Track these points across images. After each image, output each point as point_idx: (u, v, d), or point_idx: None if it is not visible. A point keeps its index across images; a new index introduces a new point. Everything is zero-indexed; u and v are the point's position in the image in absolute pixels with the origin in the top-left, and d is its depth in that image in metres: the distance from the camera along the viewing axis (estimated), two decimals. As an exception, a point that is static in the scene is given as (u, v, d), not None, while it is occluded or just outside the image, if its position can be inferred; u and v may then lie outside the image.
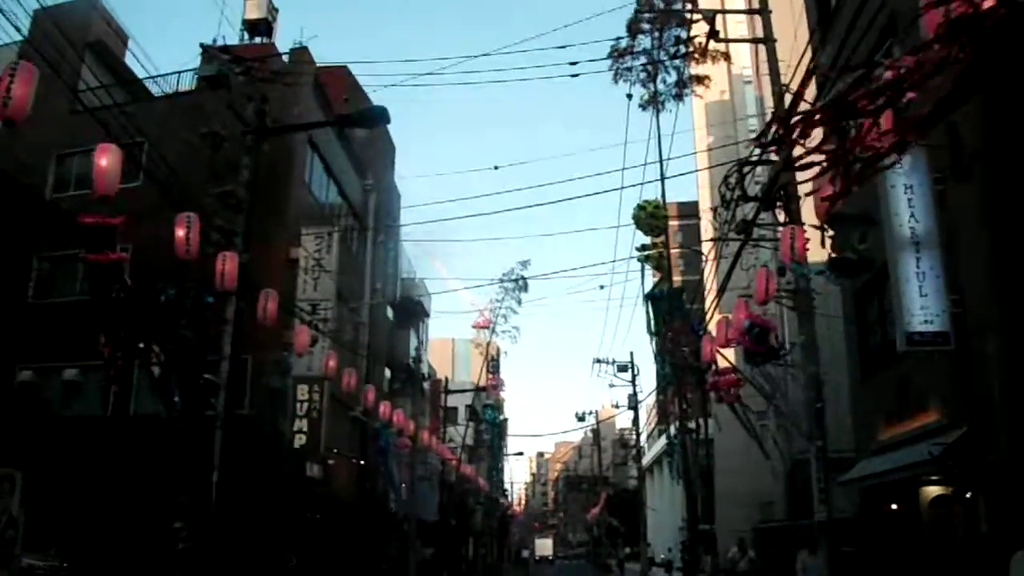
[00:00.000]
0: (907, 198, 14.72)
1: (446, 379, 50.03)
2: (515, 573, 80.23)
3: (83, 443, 28.30)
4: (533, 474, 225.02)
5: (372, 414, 32.73)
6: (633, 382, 61.15)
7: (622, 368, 61.67)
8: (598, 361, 60.72)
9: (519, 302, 44.37)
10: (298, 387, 28.54)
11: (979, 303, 14.94)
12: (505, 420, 72.04)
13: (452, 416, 61.46)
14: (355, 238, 39.50)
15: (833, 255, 13.16)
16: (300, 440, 28.17)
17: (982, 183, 14.65)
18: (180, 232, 18.89)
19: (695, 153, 56.30)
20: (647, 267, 23.97)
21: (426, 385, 55.89)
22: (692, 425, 25.97)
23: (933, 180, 15.24)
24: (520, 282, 43.76)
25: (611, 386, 62.14)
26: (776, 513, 54.48)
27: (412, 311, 49.11)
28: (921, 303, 14.72)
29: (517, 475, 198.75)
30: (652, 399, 74.51)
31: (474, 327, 48.52)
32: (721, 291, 20.28)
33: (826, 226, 12.88)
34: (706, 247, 22.59)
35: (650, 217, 21.65)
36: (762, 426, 57.58)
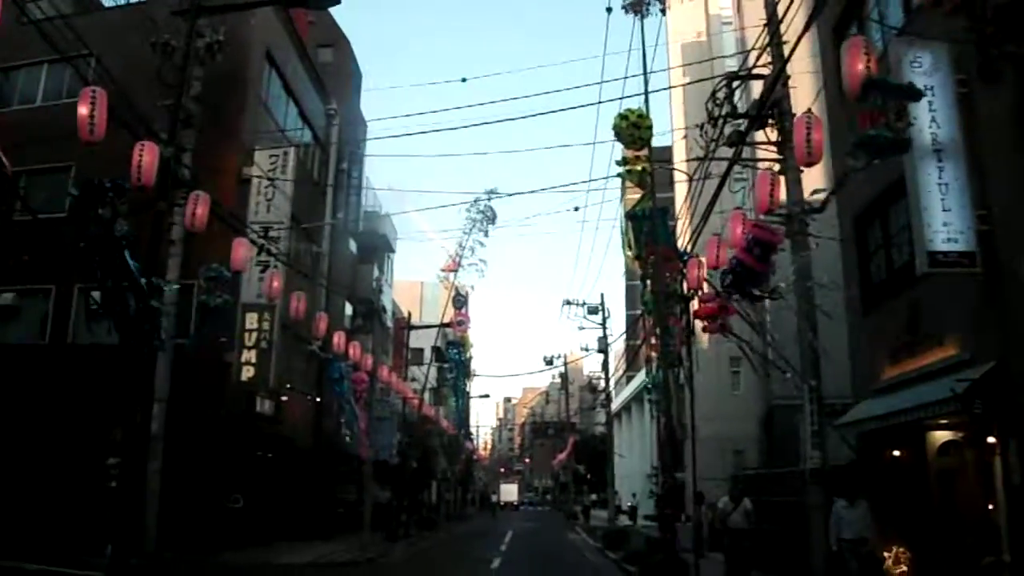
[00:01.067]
0: (927, 101, 12.72)
1: (409, 315, 47.98)
2: (481, 519, 78.76)
3: (16, 372, 26.36)
4: (500, 419, 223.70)
5: (328, 348, 30.67)
6: (603, 325, 59.42)
7: (592, 310, 59.86)
8: (568, 303, 59.01)
9: (486, 233, 42.25)
10: (247, 315, 26.63)
11: (1010, 220, 12.99)
12: (470, 359, 70.08)
13: (418, 358, 59.56)
14: (315, 164, 37.41)
15: (866, 133, 11.01)
16: (247, 372, 26.27)
17: (1014, 87, 12.74)
18: (83, 110, 16.23)
19: (669, 88, 54.08)
20: (627, 184, 21.71)
21: (389, 323, 54.06)
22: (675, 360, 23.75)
23: (957, 82, 13.32)
24: (488, 212, 41.52)
25: (580, 328, 60.05)
26: (747, 461, 53.28)
27: (376, 245, 47.08)
28: (944, 219, 12.79)
29: (484, 419, 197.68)
30: (621, 345, 73.38)
31: (443, 271, 46.27)
32: (706, 215, 18.37)
33: (859, 99, 10.83)
34: (687, 169, 20.53)
35: (633, 127, 19.54)
36: (734, 373, 56.89)
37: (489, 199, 40.60)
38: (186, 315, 23.85)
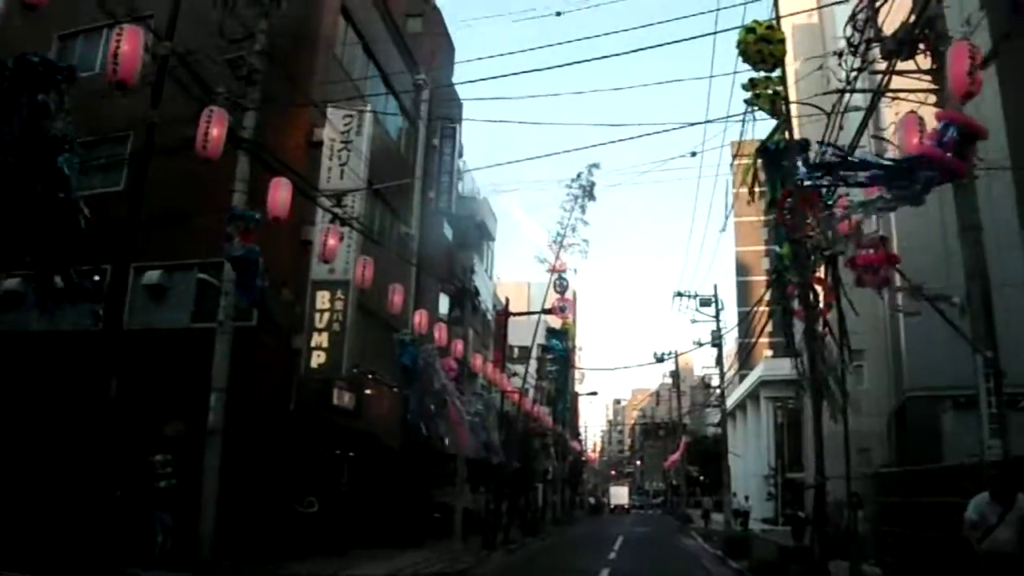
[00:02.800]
0: None
1: (507, 300, 44.70)
2: (589, 523, 75.44)
3: (67, 361, 23.83)
4: (610, 421, 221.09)
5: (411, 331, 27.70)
6: (717, 317, 55.78)
7: (705, 302, 56.40)
8: (680, 295, 55.76)
9: (584, 210, 39.59)
10: (317, 294, 23.71)
11: None
12: (574, 349, 66.57)
13: (523, 356, 56.30)
14: (402, 139, 34.47)
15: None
16: (318, 358, 23.29)
17: None
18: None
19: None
20: (754, 115, 17.98)
21: (490, 317, 51.00)
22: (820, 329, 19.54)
23: None
24: (588, 187, 38.76)
25: (693, 321, 56.66)
26: (874, 460, 49.49)
27: (474, 231, 44.12)
28: None
29: (593, 422, 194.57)
30: (732, 346, 69.62)
31: (549, 271, 43.12)
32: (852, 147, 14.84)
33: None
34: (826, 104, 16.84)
35: (761, 41, 16.00)
36: (856, 366, 52.88)
37: (591, 183, 37.79)
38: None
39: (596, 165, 41.20)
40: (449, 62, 42.16)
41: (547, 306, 43.91)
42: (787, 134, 17.60)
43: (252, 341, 22.06)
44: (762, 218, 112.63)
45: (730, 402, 66.10)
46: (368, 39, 30.15)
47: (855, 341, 49.67)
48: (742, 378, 73.54)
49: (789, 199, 15.95)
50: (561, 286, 43.39)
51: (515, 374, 46.89)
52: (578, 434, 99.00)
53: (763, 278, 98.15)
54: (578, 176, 39.85)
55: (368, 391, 28.55)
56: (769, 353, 78.17)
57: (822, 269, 17.93)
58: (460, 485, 30.89)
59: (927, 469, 19.95)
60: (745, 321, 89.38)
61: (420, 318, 27.33)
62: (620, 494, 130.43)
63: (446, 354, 29.68)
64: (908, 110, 13.30)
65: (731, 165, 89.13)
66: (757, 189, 18.63)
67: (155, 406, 21.64)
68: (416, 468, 32.73)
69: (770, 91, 16.95)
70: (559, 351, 49.95)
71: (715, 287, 57.87)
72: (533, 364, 49.32)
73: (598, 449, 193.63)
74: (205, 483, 18.59)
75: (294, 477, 23.66)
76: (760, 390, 61.59)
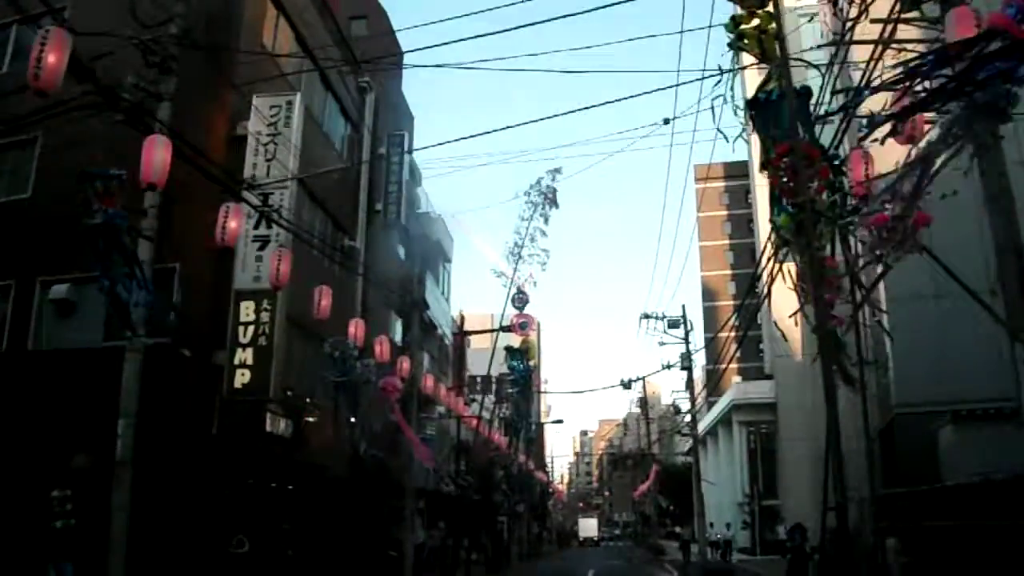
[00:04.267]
0: None
1: (462, 316, 42.13)
2: (558, 557, 72.63)
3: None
4: (577, 453, 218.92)
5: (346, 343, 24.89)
6: (686, 339, 53.47)
7: (673, 324, 54.14)
8: (646, 316, 53.48)
9: (546, 220, 37.03)
10: (241, 304, 20.97)
11: None
12: (535, 368, 63.39)
13: (487, 386, 53.35)
14: (344, 146, 31.89)
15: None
16: (242, 377, 20.51)
17: None
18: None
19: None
20: (740, 61, 15.38)
21: (447, 341, 48.12)
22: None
23: None
24: (549, 193, 36.20)
25: (661, 344, 54.41)
26: (852, 484, 47.13)
27: (430, 250, 41.40)
28: None
29: (560, 453, 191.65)
30: (701, 370, 67.40)
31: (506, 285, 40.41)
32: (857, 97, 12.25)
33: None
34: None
35: (748, -38, 13.49)
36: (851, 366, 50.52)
37: (551, 188, 35.26)
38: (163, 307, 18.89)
39: (558, 170, 38.33)
40: (399, 70, 39.71)
41: (506, 323, 40.75)
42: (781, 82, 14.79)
43: (167, 359, 19.44)
44: (728, 242, 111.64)
45: (701, 427, 63.91)
46: (304, 33, 27.55)
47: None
48: (711, 405, 71.48)
49: (786, 158, 13.30)
50: (520, 301, 40.37)
51: (474, 399, 44.13)
52: (544, 465, 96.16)
53: (730, 303, 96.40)
54: (538, 182, 37.18)
55: (311, 418, 25.89)
56: (738, 379, 76.35)
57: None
58: (410, 519, 28.06)
59: (964, 486, 17.29)
60: (712, 346, 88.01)
61: (355, 328, 24.38)
62: (589, 526, 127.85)
63: (388, 372, 26.82)
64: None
65: (696, 189, 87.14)
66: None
67: (63, 437, 19.00)
68: (369, 502, 29.87)
69: (756, 28, 14.36)
70: (520, 372, 46.99)
71: (683, 307, 55.74)
72: (493, 387, 46.61)
73: (566, 481, 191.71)
74: (113, 523, 15.72)
75: (220, 513, 20.85)
76: (732, 415, 59.44)
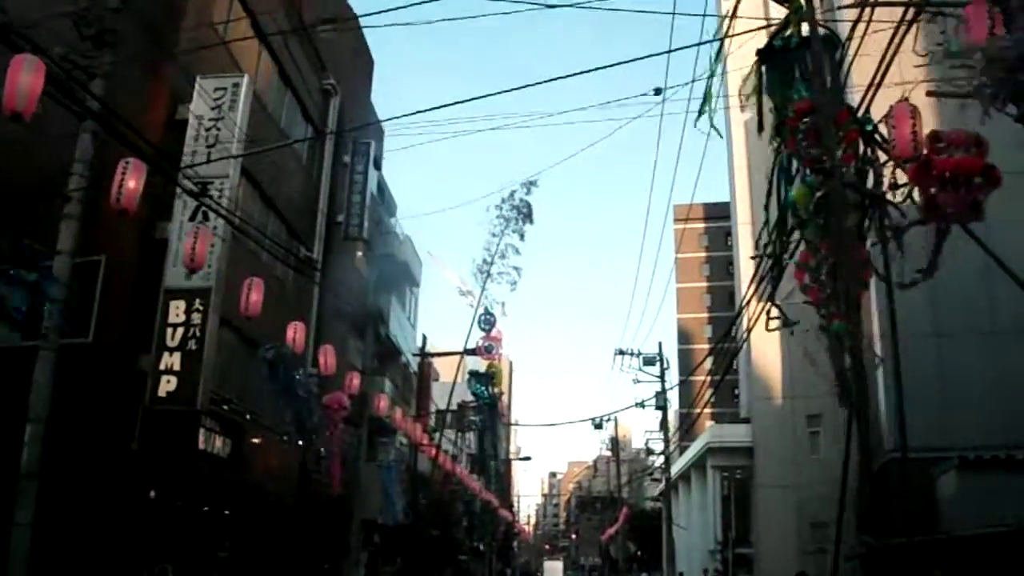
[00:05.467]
0: None
1: (424, 338, 39.93)
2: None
3: None
4: (544, 495, 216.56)
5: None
6: (662, 377, 51.95)
7: (648, 361, 52.55)
8: (621, 352, 51.85)
9: (522, 236, 34.97)
10: (170, 304, 18.76)
11: None
12: (500, 395, 60.92)
13: (456, 419, 51.02)
14: (304, 149, 29.82)
15: None
16: (167, 385, 18.27)
17: None
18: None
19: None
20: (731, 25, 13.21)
21: (412, 368, 45.85)
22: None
23: None
24: (523, 208, 34.09)
25: (636, 382, 52.91)
26: (831, 536, 45.10)
27: (396, 270, 39.23)
28: None
29: (527, 492, 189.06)
30: (674, 415, 65.50)
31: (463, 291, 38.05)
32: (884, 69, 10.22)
33: None
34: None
35: None
36: (812, 433, 48.63)
37: (525, 202, 33.21)
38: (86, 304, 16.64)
39: (534, 183, 36.03)
40: (367, 74, 37.74)
41: (472, 345, 38.37)
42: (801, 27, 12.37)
43: (87, 362, 17.33)
44: (706, 284, 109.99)
45: (675, 470, 61.81)
46: (256, 11, 25.42)
47: (810, 405, 45.66)
48: (682, 451, 69.33)
49: (806, 118, 11.11)
50: (488, 322, 37.99)
51: (436, 430, 41.84)
52: (511, 503, 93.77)
53: (706, 346, 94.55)
54: (511, 195, 35.03)
55: (255, 439, 23.71)
56: (711, 424, 74.58)
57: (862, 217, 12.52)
58: (356, 553, 25.78)
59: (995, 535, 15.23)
60: (686, 390, 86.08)
61: (295, 332, 21.98)
62: (555, 568, 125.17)
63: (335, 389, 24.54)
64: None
65: (674, 229, 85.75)
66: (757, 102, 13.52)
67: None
68: (315, 532, 27.58)
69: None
70: (484, 399, 44.48)
71: (659, 344, 54.21)
72: (453, 417, 44.39)
73: (532, 522, 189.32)
74: (13, 542, 13.74)
75: (140, 537, 18.60)
76: (707, 458, 57.11)
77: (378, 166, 38.10)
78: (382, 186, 40.16)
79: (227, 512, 23.45)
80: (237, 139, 19.73)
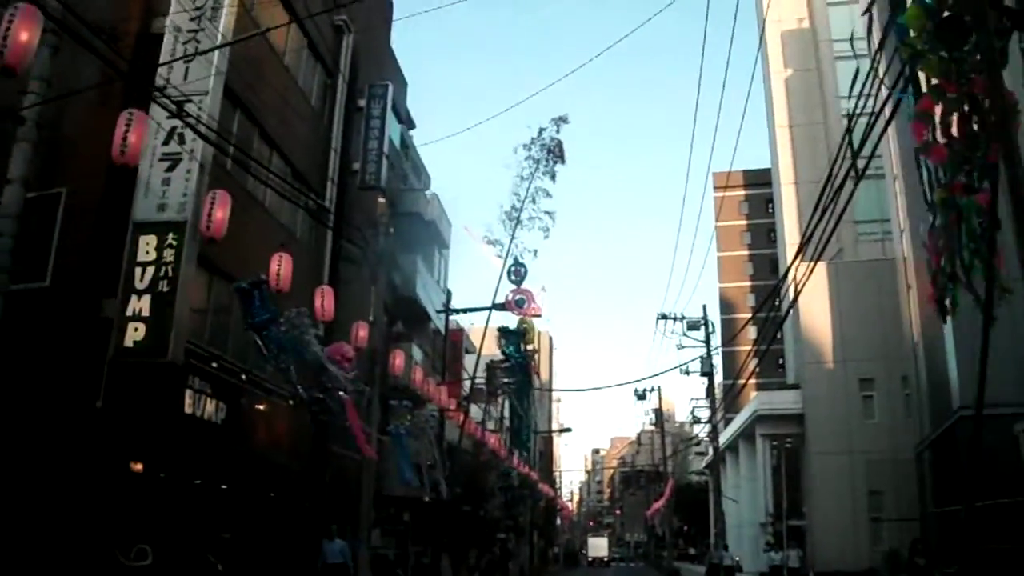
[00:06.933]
0: None
1: (449, 294, 37.05)
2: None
3: None
4: (588, 472, 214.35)
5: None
6: (707, 341, 49.33)
7: (692, 325, 49.83)
8: (663, 317, 49.26)
9: (553, 177, 31.93)
10: (140, 239, 16.07)
11: None
12: (535, 352, 57.40)
13: (491, 383, 47.76)
14: (314, 88, 27.15)
15: None
16: (135, 333, 15.62)
17: None
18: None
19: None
20: None
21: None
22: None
23: None
24: (554, 147, 31.10)
25: (680, 347, 50.28)
26: (886, 508, 42.53)
27: (422, 230, 36.49)
28: None
29: (571, 475, 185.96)
30: (719, 384, 62.83)
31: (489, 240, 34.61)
32: None
33: None
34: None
35: None
36: (865, 397, 45.86)
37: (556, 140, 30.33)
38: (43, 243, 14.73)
39: (564, 119, 32.63)
40: (386, 20, 34.96)
41: (500, 300, 34.81)
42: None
43: (43, 309, 14.87)
44: (747, 252, 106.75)
45: (721, 440, 59.06)
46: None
47: (862, 368, 42.94)
48: (727, 423, 66.62)
49: None
50: (518, 274, 34.59)
51: (466, 400, 39.03)
52: (552, 479, 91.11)
53: (749, 315, 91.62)
54: (540, 133, 31.90)
55: (257, 404, 21.15)
56: (756, 394, 72.00)
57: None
58: (364, 520, 23.06)
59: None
60: (730, 361, 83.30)
61: (279, 263, 18.87)
62: (599, 545, 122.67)
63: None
64: None
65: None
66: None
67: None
68: (333, 510, 24.85)
69: None
70: (516, 358, 41.23)
71: (704, 307, 51.47)
72: (484, 377, 41.61)
73: (576, 499, 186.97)
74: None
75: (113, 514, 15.99)
76: (756, 427, 54.28)
77: (401, 120, 35.41)
78: (407, 142, 37.54)
79: (224, 487, 20.80)
80: (219, 52, 17.08)
